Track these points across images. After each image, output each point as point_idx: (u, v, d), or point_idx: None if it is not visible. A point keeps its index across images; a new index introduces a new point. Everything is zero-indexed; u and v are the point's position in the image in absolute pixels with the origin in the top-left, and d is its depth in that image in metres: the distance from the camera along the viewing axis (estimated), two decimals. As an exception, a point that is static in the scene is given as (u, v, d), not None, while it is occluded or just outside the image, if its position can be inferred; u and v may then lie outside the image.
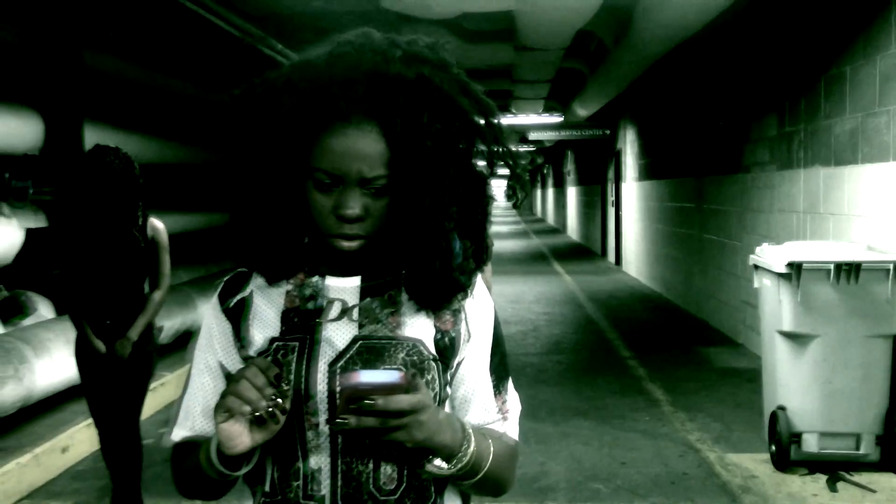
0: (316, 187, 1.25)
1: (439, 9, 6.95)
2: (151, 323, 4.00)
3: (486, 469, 1.27)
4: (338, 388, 1.23)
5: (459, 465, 1.23)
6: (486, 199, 1.35)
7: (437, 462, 1.22)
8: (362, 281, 1.34)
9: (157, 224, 3.95)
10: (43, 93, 6.19)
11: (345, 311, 1.31)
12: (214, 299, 1.37)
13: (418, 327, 1.33)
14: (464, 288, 1.34)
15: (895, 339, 4.65)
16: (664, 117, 11.93)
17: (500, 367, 1.40)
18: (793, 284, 4.63)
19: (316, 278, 1.34)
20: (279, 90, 1.26)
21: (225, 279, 1.38)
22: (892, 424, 4.64)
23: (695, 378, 7.07)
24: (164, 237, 3.95)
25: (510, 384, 1.42)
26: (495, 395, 1.37)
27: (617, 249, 16.79)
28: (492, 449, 1.28)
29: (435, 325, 1.34)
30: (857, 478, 4.62)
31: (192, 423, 1.32)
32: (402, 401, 1.13)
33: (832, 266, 4.60)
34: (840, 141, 5.96)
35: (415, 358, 1.29)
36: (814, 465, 4.77)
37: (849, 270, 4.60)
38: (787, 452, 4.75)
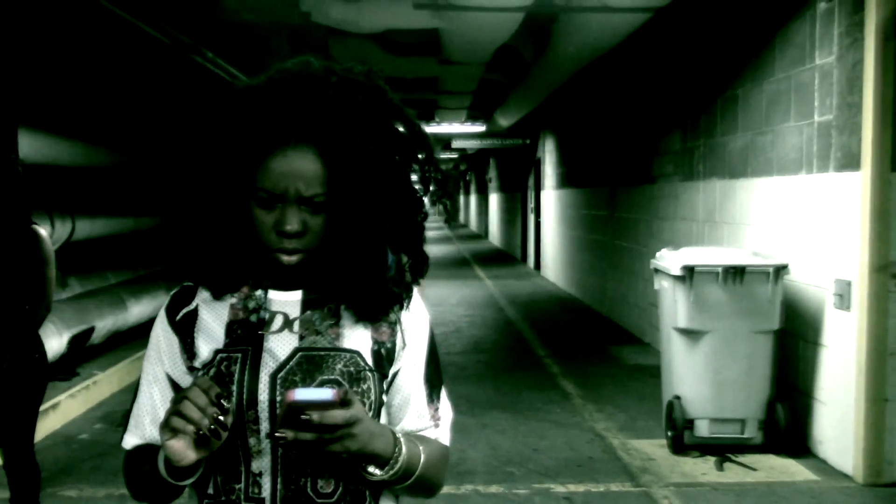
0: (259, 205, 1.33)
1: (367, 24, 7.32)
2: (38, 343, 3.63)
3: (417, 473, 1.35)
4: (278, 403, 1.31)
5: (392, 472, 1.31)
6: (420, 215, 1.43)
7: (371, 469, 1.30)
8: (304, 294, 1.42)
9: (41, 232, 3.52)
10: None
11: (287, 324, 1.39)
12: (162, 313, 1.44)
13: (356, 339, 1.40)
14: (399, 300, 1.44)
15: (776, 334, 5.21)
16: (581, 129, 12.52)
17: (434, 377, 1.48)
18: (686, 286, 5.15)
19: (259, 292, 1.41)
20: (225, 117, 1.35)
21: (172, 293, 1.46)
22: (773, 411, 5.19)
23: (604, 374, 7.59)
24: (47, 247, 3.48)
25: (443, 392, 1.50)
26: (428, 402, 1.46)
27: (536, 255, 17.37)
28: (422, 455, 1.36)
29: (372, 337, 1.42)
30: (742, 459, 5.15)
31: (142, 431, 1.40)
32: (336, 416, 1.20)
33: (721, 269, 5.13)
34: (733, 156, 6.55)
35: (352, 369, 1.37)
36: (705, 447, 5.29)
37: (735, 273, 5.13)
38: (681, 437, 5.26)
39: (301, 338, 1.37)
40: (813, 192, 5.26)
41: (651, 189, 8.81)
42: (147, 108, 9.80)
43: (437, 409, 1.47)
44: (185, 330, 1.40)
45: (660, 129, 8.50)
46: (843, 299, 4.89)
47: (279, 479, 1.32)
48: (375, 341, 1.41)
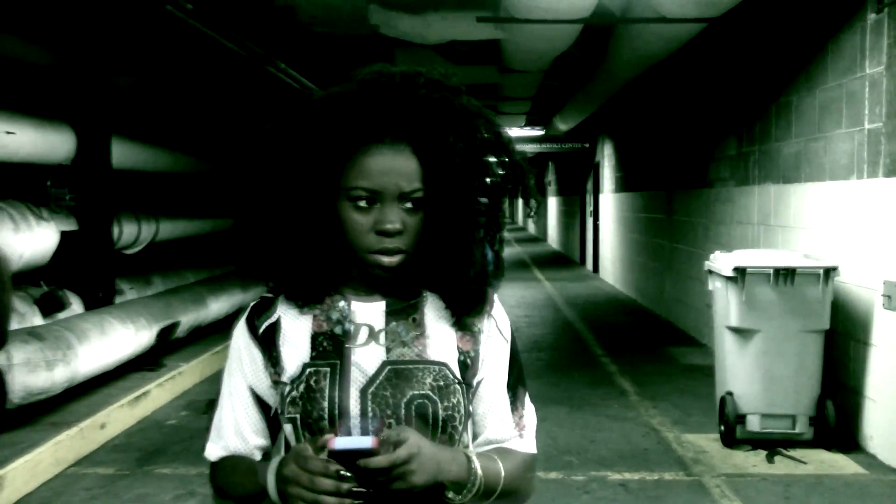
0: (354, 206, 1.32)
1: (432, 36, 7.69)
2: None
3: (500, 489, 1.35)
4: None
5: (470, 494, 1.31)
6: (501, 212, 1.43)
7: (450, 494, 1.31)
8: (387, 304, 1.40)
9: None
10: (76, 110, 6.86)
11: (372, 336, 1.37)
12: (242, 324, 1.42)
13: (442, 350, 1.38)
14: (491, 301, 1.45)
15: (825, 333, 5.41)
16: (638, 134, 12.72)
17: (518, 383, 1.46)
18: (738, 286, 5.39)
19: (342, 303, 1.39)
20: (313, 117, 1.34)
21: (252, 304, 1.44)
22: (823, 407, 5.40)
23: (660, 373, 7.83)
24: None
25: (527, 399, 1.48)
26: (512, 410, 1.44)
27: (594, 257, 17.56)
28: (503, 471, 1.35)
29: (458, 347, 1.40)
30: (791, 452, 5.37)
31: (225, 443, 1.42)
32: (380, 461, 1.19)
33: (772, 270, 5.36)
34: (787, 161, 6.74)
35: (441, 382, 1.35)
36: (756, 442, 5.52)
37: (786, 274, 5.36)
38: (733, 431, 5.50)
39: (388, 350, 1.36)
40: (863, 196, 5.45)
41: (707, 193, 9.01)
42: (223, 115, 10.33)
43: (521, 417, 1.45)
44: (269, 342, 1.39)
45: (716, 135, 8.70)
46: (892, 300, 5.07)
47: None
48: (461, 351, 1.40)
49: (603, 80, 10.58)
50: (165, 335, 7.00)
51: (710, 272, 5.86)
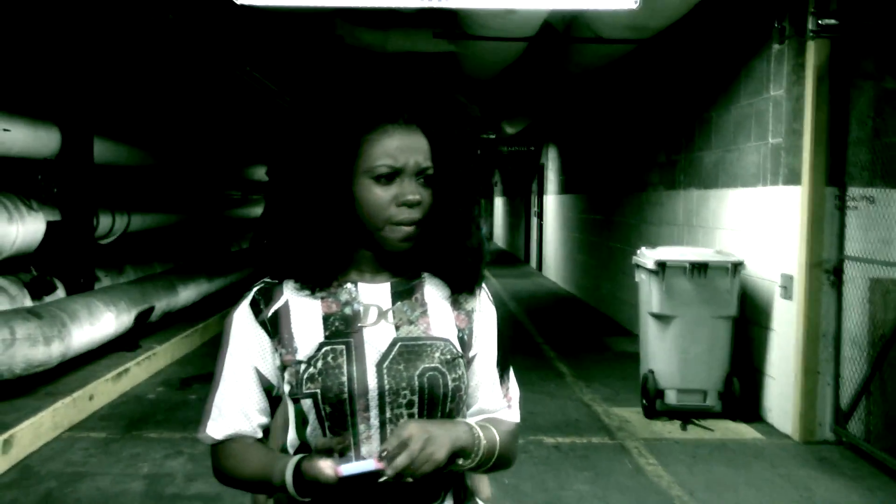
0: (376, 182, 1.39)
1: (392, 48, 8.38)
2: None
3: (497, 454, 1.45)
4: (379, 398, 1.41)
5: (477, 459, 1.41)
6: (482, 198, 1.55)
7: (459, 461, 1.39)
8: (392, 286, 1.48)
9: None
10: (61, 109, 7.39)
11: (381, 315, 1.45)
12: (245, 309, 1.47)
13: (444, 327, 1.48)
14: (482, 278, 1.54)
15: (733, 319, 6.24)
16: (581, 140, 13.57)
17: (503, 359, 1.55)
18: (659, 278, 6.19)
19: (349, 284, 1.47)
20: (332, 97, 1.42)
21: (255, 290, 1.49)
22: (730, 384, 6.22)
23: (594, 359, 8.63)
24: None
25: (511, 373, 1.58)
26: (501, 384, 1.54)
27: (539, 255, 18.41)
28: (498, 438, 1.45)
29: (456, 325, 1.49)
30: (702, 422, 6.20)
31: (228, 422, 1.46)
32: (400, 462, 1.29)
33: (688, 264, 6.17)
34: (708, 169, 7.59)
35: (448, 356, 1.45)
36: (673, 413, 6.33)
37: (700, 268, 6.18)
38: (653, 404, 6.31)
39: (396, 328, 1.44)
40: (766, 201, 6.30)
41: (641, 196, 9.86)
42: (190, 116, 10.88)
43: (508, 389, 1.55)
44: (279, 326, 1.44)
45: (649, 143, 9.55)
46: (787, 290, 5.93)
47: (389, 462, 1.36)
48: (458, 328, 1.50)
49: (545, 88, 11.37)
50: (143, 318, 7.57)
51: (637, 266, 6.66)
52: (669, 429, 6.11)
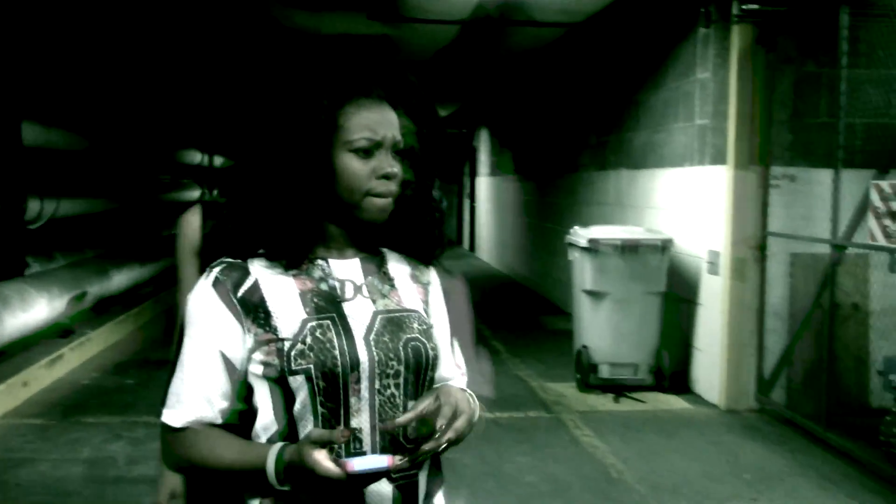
0: (356, 156, 1.40)
1: (326, 30, 8.37)
2: None
3: (476, 419, 1.48)
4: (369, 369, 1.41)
5: (474, 422, 1.46)
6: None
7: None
8: (361, 261, 1.50)
9: None
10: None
11: (357, 290, 1.46)
12: (208, 290, 1.41)
13: (413, 299, 1.52)
14: (444, 245, 1.59)
15: (663, 295, 6.46)
16: (514, 122, 13.74)
17: (453, 328, 1.62)
18: (592, 256, 6.37)
19: (319, 261, 1.46)
20: (302, 74, 1.42)
21: (216, 270, 1.43)
22: (660, 358, 6.45)
23: (529, 336, 8.82)
24: None
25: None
26: (453, 353, 1.61)
27: (472, 237, 18.59)
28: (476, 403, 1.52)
29: (419, 297, 1.54)
30: (634, 395, 6.42)
31: (189, 408, 1.40)
32: (447, 437, 1.36)
33: (619, 242, 6.37)
34: (637, 150, 7.81)
35: (423, 326, 1.49)
36: (606, 387, 6.53)
37: (631, 246, 6.37)
38: (587, 378, 6.50)
39: (373, 302, 1.46)
40: (694, 180, 6.53)
41: (573, 177, 10.06)
42: (122, 99, 10.67)
43: (458, 358, 1.63)
44: (253, 306, 1.40)
45: (581, 125, 9.74)
46: (714, 266, 6.17)
47: (377, 433, 1.40)
48: (422, 300, 1.54)
49: (478, 69, 11.49)
50: (76, 304, 7.47)
51: (570, 245, 6.83)
52: (603, 402, 6.31)
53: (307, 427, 1.38)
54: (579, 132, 9.76)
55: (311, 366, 1.37)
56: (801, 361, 5.81)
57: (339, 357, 1.38)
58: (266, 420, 1.42)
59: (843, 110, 5.08)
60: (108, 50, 9.49)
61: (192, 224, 2.13)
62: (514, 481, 4.70)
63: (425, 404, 1.38)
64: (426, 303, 1.55)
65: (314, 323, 1.39)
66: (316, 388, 1.37)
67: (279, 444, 1.35)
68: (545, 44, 9.42)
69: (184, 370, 1.41)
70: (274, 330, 1.39)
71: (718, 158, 6.11)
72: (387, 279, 1.51)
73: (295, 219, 1.41)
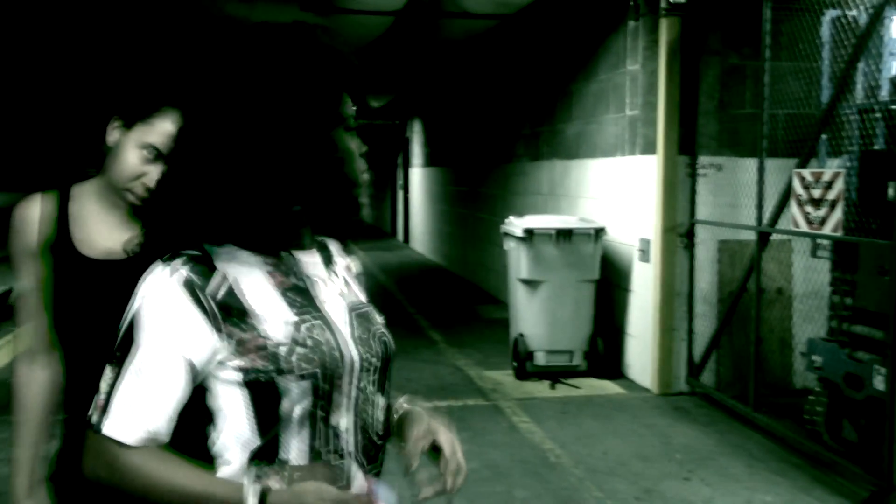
0: (347, 133, 1.36)
1: (258, 19, 8.27)
2: None
3: None
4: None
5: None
6: None
7: None
8: (319, 254, 1.44)
9: None
10: None
11: (325, 284, 1.40)
12: (177, 290, 1.26)
13: (360, 291, 1.51)
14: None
15: (596, 283, 6.59)
16: (447, 114, 13.79)
17: None
18: (528, 245, 6.47)
19: (285, 255, 1.37)
20: (305, 58, 1.30)
21: (184, 267, 1.27)
22: (595, 344, 6.59)
23: (465, 326, 8.90)
24: None
25: None
26: None
27: (405, 228, 18.61)
28: None
29: (360, 288, 1.52)
30: (570, 381, 6.54)
31: (148, 423, 1.23)
32: (449, 475, 1.40)
33: (554, 232, 6.47)
34: (570, 140, 7.93)
35: (382, 318, 1.50)
36: (542, 374, 6.64)
37: (565, 235, 6.49)
38: (523, 366, 6.60)
39: (341, 297, 1.42)
40: (625, 170, 6.67)
41: (506, 168, 10.17)
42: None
43: None
44: (232, 308, 1.27)
45: (514, 116, 9.84)
46: (645, 254, 6.32)
47: (358, 431, 1.37)
48: (363, 291, 1.54)
49: (410, 60, 11.50)
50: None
51: (506, 234, 6.91)
52: (539, 388, 6.42)
53: (291, 434, 1.29)
54: (513, 123, 9.86)
55: (318, 369, 1.28)
56: (729, 345, 6.01)
57: (338, 358, 1.31)
58: (240, 430, 1.29)
59: (767, 101, 5.25)
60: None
61: (28, 219, 1.84)
62: (455, 468, 4.75)
63: (416, 436, 1.40)
64: (364, 293, 1.53)
65: (307, 325, 1.31)
66: (320, 393, 1.29)
67: (254, 481, 1.22)
68: (479, 34, 9.49)
69: (140, 377, 1.23)
70: (262, 333, 1.27)
71: (648, 148, 6.25)
72: (340, 272, 1.47)
73: (288, 203, 1.30)
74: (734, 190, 5.96)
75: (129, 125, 1.83)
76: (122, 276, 1.44)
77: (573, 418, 5.68)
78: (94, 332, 1.71)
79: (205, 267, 1.28)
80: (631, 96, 6.53)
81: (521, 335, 6.63)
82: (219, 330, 1.26)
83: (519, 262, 6.58)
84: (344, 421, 1.33)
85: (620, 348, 6.79)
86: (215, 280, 1.27)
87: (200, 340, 1.25)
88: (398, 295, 11.12)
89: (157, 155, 1.79)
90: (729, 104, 6.10)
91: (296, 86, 1.28)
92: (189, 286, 1.25)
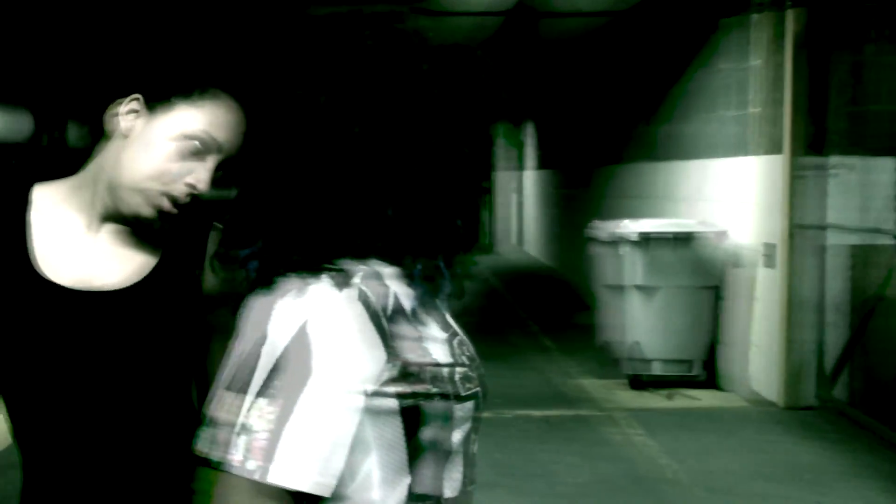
0: None
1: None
2: None
3: None
4: None
5: None
6: None
7: None
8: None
9: None
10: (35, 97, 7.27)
11: None
12: (354, 305, 1.05)
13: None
14: None
15: (717, 289, 6.30)
16: (559, 115, 13.57)
17: None
18: (643, 249, 6.23)
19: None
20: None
21: (354, 281, 1.07)
22: (715, 353, 6.29)
23: (577, 331, 8.68)
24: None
25: None
26: None
27: (518, 231, 18.46)
28: None
29: None
30: (688, 392, 6.26)
31: (331, 474, 1.02)
32: None
33: (672, 235, 6.21)
34: (687, 140, 7.61)
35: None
36: (658, 384, 6.38)
37: (684, 239, 6.22)
38: (639, 376, 6.36)
39: None
40: (748, 170, 6.34)
41: (619, 169, 9.89)
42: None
43: None
44: (400, 326, 1.09)
45: (625, 115, 9.56)
46: (770, 259, 5.98)
47: None
48: None
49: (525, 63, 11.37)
50: None
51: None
52: (656, 399, 6.16)
53: (440, 463, 1.11)
54: (624, 122, 9.58)
55: (479, 388, 1.14)
56: (864, 357, 5.60)
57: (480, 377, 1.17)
58: (389, 463, 1.07)
59: (906, 95, 4.88)
60: None
61: None
62: (564, 482, 4.59)
63: None
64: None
65: (457, 338, 1.16)
66: (477, 412, 1.16)
67: None
68: (590, 31, 9.25)
69: (314, 412, 1.01)
70: (426, 353, 1.09)
71: (773, 148, 5.91)
72: None
73: (452, 217, 1.17)
74: (867, 191, 5.56)
75: (154, 107, 1.36)
76: (106, 311, 1.23)
77: (691, 431, 5.42)
78: (57, 382, 1.33)
79: (374, 279, 1.09)
80: (754, 93, 6.19)
81: (637, 343, 6.39)
82: (388, 353, 1.05)
83: (634, 267, 6.34)
84: (477, 444, 1.17)
85: (743, 359, 6.45)
86: (384, 295, 1.09)
87: (375, 367, 1.04)
88: (509, 298, 10.99)
89: (202, 149, 1.35)
90: (862, 100, 5.69)
91: (465, 116, 1.15)
92: (365, 302, 1.06)
